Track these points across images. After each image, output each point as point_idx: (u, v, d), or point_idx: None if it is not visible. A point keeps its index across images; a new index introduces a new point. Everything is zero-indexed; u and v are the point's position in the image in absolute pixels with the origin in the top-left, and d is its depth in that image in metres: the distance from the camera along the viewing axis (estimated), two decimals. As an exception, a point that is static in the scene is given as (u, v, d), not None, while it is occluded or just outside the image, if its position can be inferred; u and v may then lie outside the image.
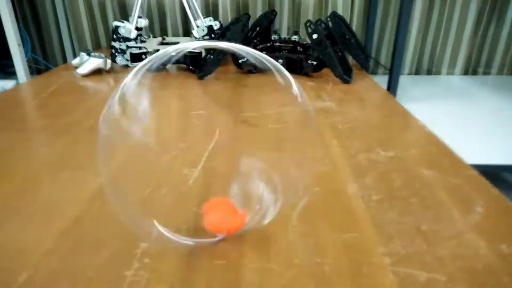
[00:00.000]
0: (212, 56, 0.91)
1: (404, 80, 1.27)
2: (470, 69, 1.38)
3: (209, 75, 0.92)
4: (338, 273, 0.30)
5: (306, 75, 0.95)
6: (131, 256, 0.32)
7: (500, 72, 1.37)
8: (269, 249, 0.33)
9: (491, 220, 0.37)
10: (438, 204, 0.39)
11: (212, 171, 0.47)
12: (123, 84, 0.31)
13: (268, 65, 0.33)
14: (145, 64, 0.31)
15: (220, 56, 0.91)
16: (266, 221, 0.34)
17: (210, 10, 1.31)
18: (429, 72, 1.40)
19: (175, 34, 1.34)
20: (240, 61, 0.97)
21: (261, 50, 1.02)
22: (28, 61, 1.13)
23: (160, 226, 0.34)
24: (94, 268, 0.31)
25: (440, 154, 0.52)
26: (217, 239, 0.34)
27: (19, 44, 1.05)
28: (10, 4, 1.02)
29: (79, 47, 1.33)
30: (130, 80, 0.31)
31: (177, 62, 0.98)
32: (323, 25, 0.96)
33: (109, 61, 0.96)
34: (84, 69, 0.92)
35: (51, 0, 1.31)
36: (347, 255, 0.32)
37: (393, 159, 0.50)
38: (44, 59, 1.37)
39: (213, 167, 0.48)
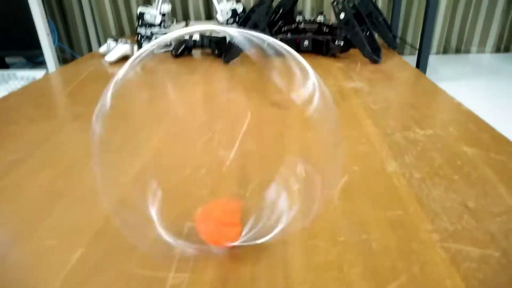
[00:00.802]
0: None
1: (432, 60, 1.23)
2: (502, 46, 1.33)
3: (234, 59, 0.92)
4: (386, 249, 0.30)
5: (333, 56, 0.93)
6: (179, 231, 0.33)
7: (534, 48, 1.32)
8: (312, 227, 0.33)
9: (541, 196, 0.36)
10: (483, 180, 0.38)
11: (248, 153, 0.47)
12: (116, 78, 0.28)
13: (279, 48, 0.30)
14: (136, 58, 0.29)
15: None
16: (275, 232, 0.30)
17: (232, -6, 1.29)
18: (457, 51, 1.35)
19: (197, 18, 1.33)
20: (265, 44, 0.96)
21: (285, 32, 1.01)
22: (55, 50, 1.15)
23: (162, 229, 0.32)
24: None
25: (480, 131, 0.50)
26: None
27: (48, 34, 1.07)
28: (38, -6, 1.03)
29: (104, 35, 1.35)
30: (123, 74, 0.28)
31: (202, 46, 0.97)
32: (350, 4, 0.94)
33: (135, 48, 0.96)
34: (112, 56, 0.93)
35: (75, -11, 1.32)
36: (393, 232, 0.32)
37: (431, 137, 0.49)
38: (70, 48, 1.40)
39: (248, 149, 0.48)
